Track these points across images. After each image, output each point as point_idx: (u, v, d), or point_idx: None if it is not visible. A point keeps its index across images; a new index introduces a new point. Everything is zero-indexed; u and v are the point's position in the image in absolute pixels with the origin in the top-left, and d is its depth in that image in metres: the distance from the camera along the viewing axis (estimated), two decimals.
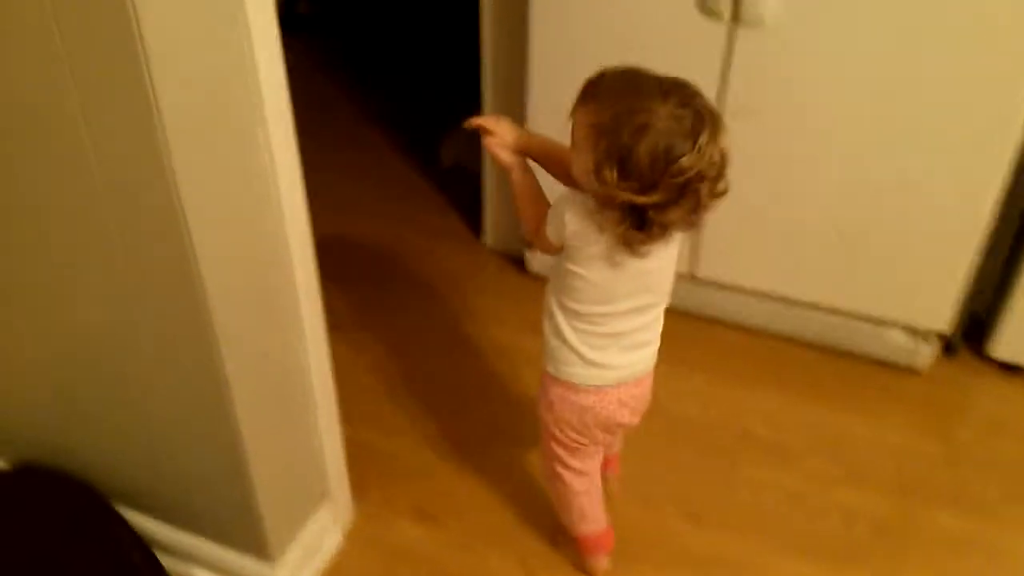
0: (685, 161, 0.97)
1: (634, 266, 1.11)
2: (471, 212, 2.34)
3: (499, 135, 1.23)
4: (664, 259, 1.14)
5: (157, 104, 0.91)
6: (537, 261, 2.15)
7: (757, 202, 1.77)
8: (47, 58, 0.94)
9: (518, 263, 2.22)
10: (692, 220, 1.04)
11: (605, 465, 1.45)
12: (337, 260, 1.64)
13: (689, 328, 1.98)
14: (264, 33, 1.01)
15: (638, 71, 1.04)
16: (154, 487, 1.42)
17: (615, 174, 0.99)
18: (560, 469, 1.35)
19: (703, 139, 0.98)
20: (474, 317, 2.07)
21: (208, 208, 1.03)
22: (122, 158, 0.99)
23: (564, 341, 1.21)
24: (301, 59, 3.27)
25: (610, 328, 1.19)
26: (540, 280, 1.99)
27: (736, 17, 1.59)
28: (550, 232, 1.14)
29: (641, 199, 1.00)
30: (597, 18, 1.70)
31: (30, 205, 1.12)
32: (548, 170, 1.25)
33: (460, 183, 2.45)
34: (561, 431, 1.29)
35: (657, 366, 1.28)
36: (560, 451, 1.32)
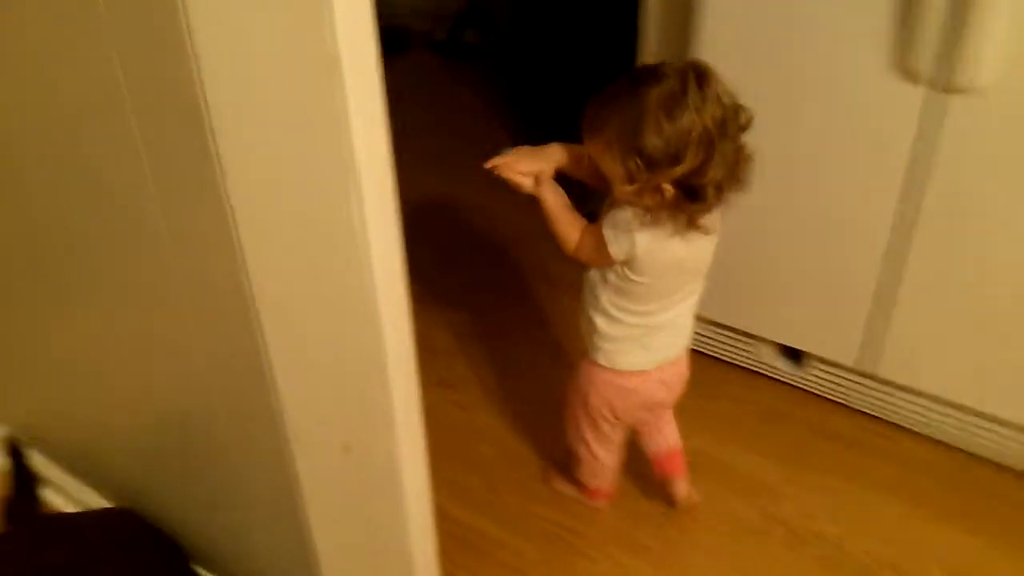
0: (685, 120, 1.04)
1: (694, 255, 1.18)
2: None
3: (518, 165, 1.24)
4: (713, 237, 1.19)
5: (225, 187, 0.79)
6: None
7: (955, 302, 1.48)
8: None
9: None
10: (738, 173, 1.10)
11: (673, 467, 1.52)
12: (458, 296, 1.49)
13: (864, 434, 1.72)
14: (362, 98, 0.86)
15: (609, 86, 1.11)
16: (234, 557, 1.33)
17: (643, 167, 1.06)
18: (594, 445, 1.43)
19: (691, 94, 1.04)
20: None
21: (281, 294, 0.90)
22: (193, 242, 0.89)
23: (622, 337, 1.27)
24: (464, 88, 3.27)
25: (665, 316, 1.25)
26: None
27: (939, 82, 1.31)
28: (615, 251, 1.16)
29: (677, 171, 1.05)
30: (769, 73, 1.47)
31: (107, 284, 1.08)
32: (578, 174, 1.27)
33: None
34: (600, 413, 1.36)
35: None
36: (592, 429, 1.40)
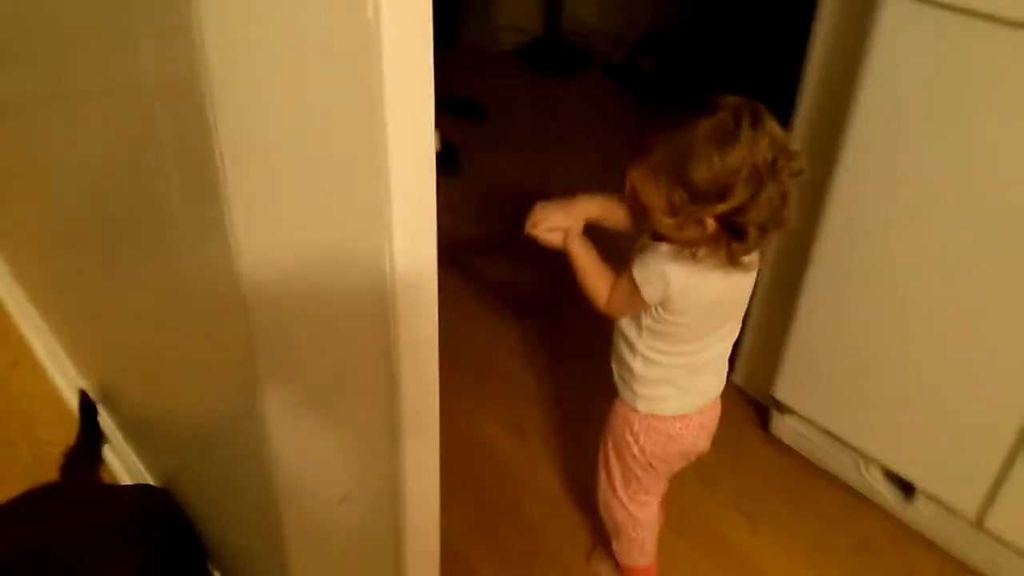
0: (735, 156, 0.99)
1: (731, 293, 1.14)
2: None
3: (546, 221, 1.20)
4: (752, 275, 1.14)
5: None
6: (786, 429, 1.74)
7: None
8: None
9: (762, 416, 1.81)
10: (783, 214, 1.04)
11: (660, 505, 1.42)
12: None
13: None
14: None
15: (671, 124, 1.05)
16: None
17: (687, 200, 1.01)
18: (628, 502, 1.33)
19: (744, 131, 0.99)
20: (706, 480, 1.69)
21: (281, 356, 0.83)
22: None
23: (662, 380, 1.21)
24: (628, 117, 3.15)
25: (704, 357, 1.20)
26: (781, 448, 1.60)
27: None
28: (648, 293, 1.11)
29: (721, 207, 1.01)
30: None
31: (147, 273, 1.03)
32: (611, 223, 1.24)
33: None
34: (640, 463, 1.28)
35: None
36: (626, 485, 1.32)
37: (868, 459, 1.61)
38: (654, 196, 1.05)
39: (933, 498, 1.51)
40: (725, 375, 1.26)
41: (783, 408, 1.73)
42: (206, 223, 0.79)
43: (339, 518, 1.03)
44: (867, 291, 1.48)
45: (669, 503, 1.50)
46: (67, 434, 1.65)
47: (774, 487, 1.67)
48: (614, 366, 1.27)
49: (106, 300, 1.35)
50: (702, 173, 1.00)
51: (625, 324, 1.20)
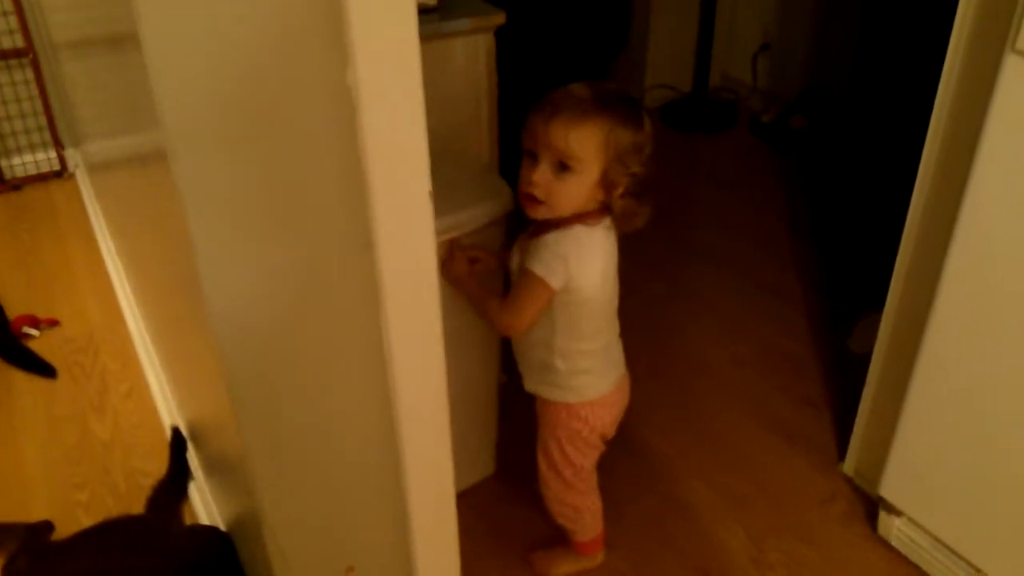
0: (647, 131, 1.20)
1: (613, 256, 1.26)
2: (847, 420, 1.77)
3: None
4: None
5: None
6: (895, 531, 1.54)
7: None
8: None
9: (871, 512, 1.62)
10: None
11: None
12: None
13: None
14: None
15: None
16: None
17: (622, 170, 1.19)
18: (581, 483, 1.43)
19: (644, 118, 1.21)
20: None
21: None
22: None
23: (589, 369, 1.32)
24: (782, 178, 2.99)
25: (611, 337, 1.35)
26: (888, 552, 1.56)
27: None
28: (554, 281, 1.20)
29: (637, 170, 1.20)
30: None
31: None
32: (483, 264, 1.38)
33: (858, 381, 1.74)
34: (590, 445, 1.39)
35: None
36: (583, 467, 1.41)
37: (979, 572, 1.39)
38: (593, 163, 1.17)
39: None
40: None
41: (891, 508, 1.54)
42: None
43: None
44: (986, 383, 1.30)
45: None
46: (160, 466, 1.72)
47: None
48: (531, 378, 1.37)
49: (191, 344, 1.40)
50: (638, 145, 1.19)
51: (538, 338, 1.29)
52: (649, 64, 3.55)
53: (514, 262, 1.29)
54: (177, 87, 0.64)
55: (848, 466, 1.73)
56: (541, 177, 1.17)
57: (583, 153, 1.15)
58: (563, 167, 1.16)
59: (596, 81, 1.22)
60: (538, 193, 1.18)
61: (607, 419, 1.37)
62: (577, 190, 1.18)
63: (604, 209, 1.22)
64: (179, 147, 0.65)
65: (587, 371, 1.32)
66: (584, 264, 1.21)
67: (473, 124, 1.64)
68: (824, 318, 2.24)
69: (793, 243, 2.61)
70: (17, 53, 2.82)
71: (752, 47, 3.50)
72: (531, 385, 1.38)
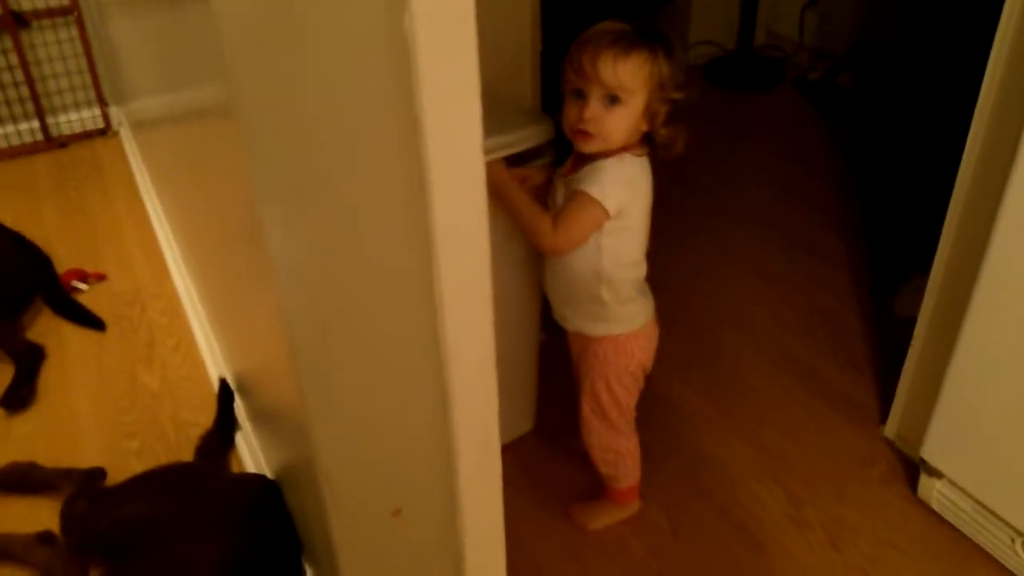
0: (680, 59, 1.24)
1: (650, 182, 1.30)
2: (890, 383, 1.75)
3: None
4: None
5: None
6: (935, 494, 1.54)
7: None
8: None
9: (912, 476, 1.61)
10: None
11: None
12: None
13: None
14: None
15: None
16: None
17: (663, 97, 1.23)
18: (625, 425, 1.46)
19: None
20: (837, 540, 1.55)
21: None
22: None
23: (630, 298, 1.36)
24: (827, 137, 2.94)
25: (645, 263, 1.37)
26: (927, 515, 1.56)
27: None
28: (610, 204, 1.24)
29: (676, 96, 1.24)
30: None
31: None
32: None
33: (901, 343, 1.71)
34: (636, 381, 1.43)
35: None
36: (628, 408, 1.45)
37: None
38: (639, 95, 1.21)
39: None
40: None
41: (932, 471, 1.53)
42: None
43: (393, 532, 1.02)
44: None
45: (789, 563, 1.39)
46: (208, 417, 1.77)
47: (912, 557, 1.49)
48: (577, 313, 1.38)
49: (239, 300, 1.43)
50: (677, 73, 1.23)
51: (582, 268, 1.31)
52: (693, 20, 3.49)
53: (559, 196, 1.32)
54: (241, 38, 0.65)
55: (889, 429, 1.72)
56: (593, 112, 1.21)
57: (632, 84, 1.20)
58: (613, 100, 1.21)
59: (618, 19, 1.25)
60: (591, 128, 1.22)
61: (649, 351, 1.42)
62: (627, 121, 1.23)
63: (645, 140, 1.28)
64: (243, 101, 0.66)
65: (631, 299, 1.36)
66: (639, 191, 1.28)
67: (516, 67, 1.63)
68: (869, 280, 2.21)
69: (838, 204, 2.57)
70: (63, 11, 2.85)
71: (799, 2, 3.43)
72: (576, 323, 1.40)
